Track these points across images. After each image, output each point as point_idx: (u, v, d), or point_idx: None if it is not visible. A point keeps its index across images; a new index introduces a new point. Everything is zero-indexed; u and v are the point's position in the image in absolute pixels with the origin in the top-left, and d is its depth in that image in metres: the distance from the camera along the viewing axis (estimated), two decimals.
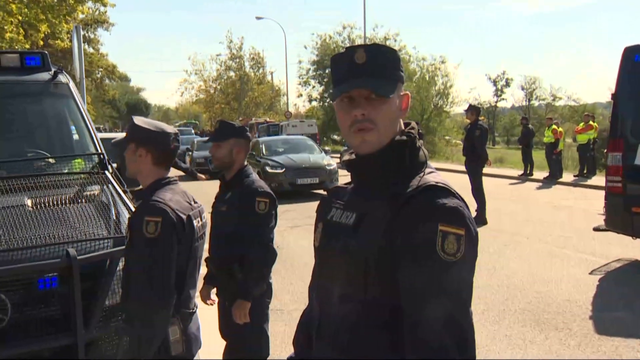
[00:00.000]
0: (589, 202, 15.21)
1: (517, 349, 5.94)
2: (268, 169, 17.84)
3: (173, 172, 3.38)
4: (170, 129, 3.21)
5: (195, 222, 3.13)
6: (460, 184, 13.16)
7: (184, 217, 3.03)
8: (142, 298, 2.90)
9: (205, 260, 4.09)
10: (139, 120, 3.20)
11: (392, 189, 1.74)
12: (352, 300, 1.74)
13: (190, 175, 14.83)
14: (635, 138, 8.77)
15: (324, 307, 1.88)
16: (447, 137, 42.17)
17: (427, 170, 1.79)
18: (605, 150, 11.28)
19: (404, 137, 1.81)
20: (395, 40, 46.75)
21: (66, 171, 5.01)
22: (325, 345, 1.86)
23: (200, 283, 3.50)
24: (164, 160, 3.16)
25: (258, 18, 50.63)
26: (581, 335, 6.25)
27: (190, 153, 28.68)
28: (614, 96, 9.26)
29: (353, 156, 1.87)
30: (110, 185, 4.80)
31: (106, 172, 4.98)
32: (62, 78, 5.49)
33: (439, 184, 1.71)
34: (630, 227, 9.01)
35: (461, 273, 1.64)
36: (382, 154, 1.79)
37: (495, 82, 62.97)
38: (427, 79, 41.66)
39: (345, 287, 1.77)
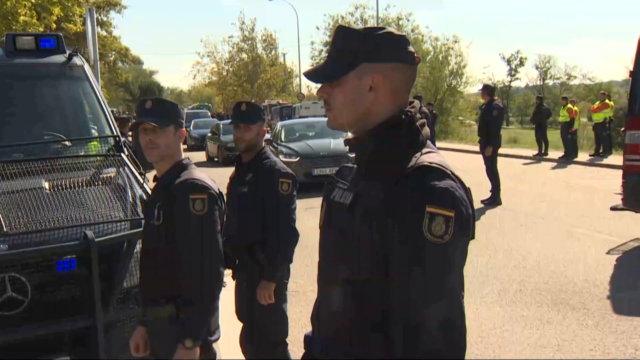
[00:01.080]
0: (605, 181, 15.10)
1: (534, 329, 5.94)
2: (282, 157, 15.21)
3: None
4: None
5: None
6: (475, 165, 13.12)
7: (218, 193, 3.10)
8: (195, 276, 2.91)
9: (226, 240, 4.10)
10: (168, 102, 3.26)
11: (387, 169, 1.72)
12: (346, 280, 1.75)
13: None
14: None
15: (323, 286, 1.92)
16: (460, 118, 42.00)
17: (425, 150, 1.76)
18: (623, 129, 11.17)
19: (403, 116, 1.78)
20: (408, 20, 46.43)
21: (82, 154, 5.02)
22: (323, 322, 1.90)
23: None
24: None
25: None
26: (599, 316, 6.23)
27: (215, 136, 26.42)
28: (632, 74, 9.19)
29: (352, 135, 1.89)
30: (126, 168, 4.81)
31: (122, 154, 4.99)
32: (77, 60, 5.48)
33: (432, 165, 1.68)
34: None
35: (448, 256, 1.62)
36: (375, 133, 1.79)
37: (509, 62, 62.61)
38: (440, 59, 41.46)
39: (341, 267, 1.78)
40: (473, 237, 1.73)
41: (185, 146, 28.11)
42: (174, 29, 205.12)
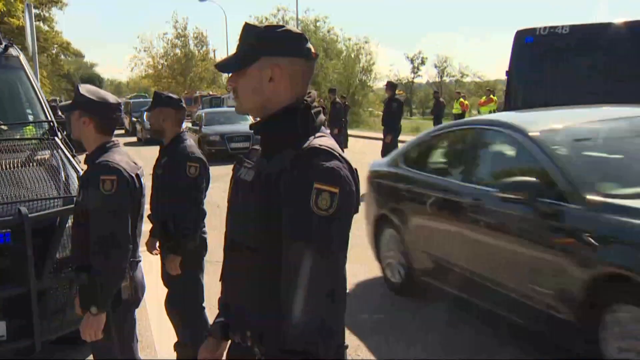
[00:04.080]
0: None
1: None
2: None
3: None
4: (113, 99, 3.12)
5: (142, 180, 3.13)
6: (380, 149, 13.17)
7: (133, 175, 3.02)
8: (102, 249, 2.86)
9: (148, 216, 4.07)
10: (84, 88, 3.11)
11: (283, 150, 1.74)
12: (246, 249, 1.78)
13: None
14: (525, 109, 9.00)
15: (227, 254, 1.93)
16: (370, 109, 42.40)
17: (318, 134, 1.78)
18: None
19: (300, 105, 1.80)
20: (324, 22, 46.43)
21: (18, 137, 4.87)
22: (227, 286, 1.94)
23: (145, 236, 3.50)
24: (107, 128, 3.10)
25: (201, 0, 49.67)
26: None
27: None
28: (508, 73, 9.45)
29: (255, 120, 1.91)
30: (59, 150, 4.70)
31: (56, 138, 4.87)
32: (13, 51, 5.31)
33: (322, 147, 1.70)
34: None
35: (333, 227, 1.65)
36: (275, 118, 1.80)
37: (412, 61, 63.39)
38: (352, 57, 41.69)
39: (242, 237, 1.80)
40: (357, 211, 1.76)
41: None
42: (113, 25, 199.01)
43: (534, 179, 4.16)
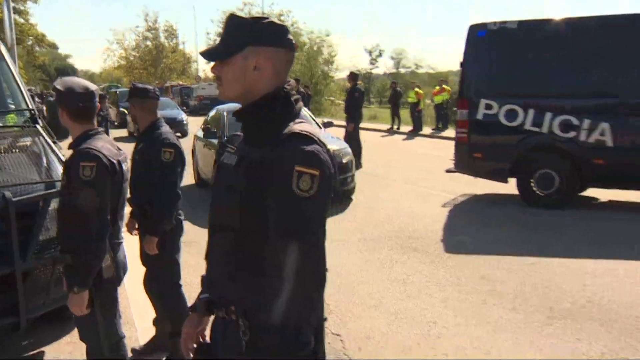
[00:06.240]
0: (443, 150, 15.67)
1: (386, 268, 6.18)
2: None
3: None
4: (80, 88, 3.00)
5: (123, 166, 3.08)
6: (341, 136, 13.29)
7: (114, 161, 2.97)
8: (83, 232, 2.82)
9: (128, 200, 4.01)
10: (58, 81, 3.07)
11: (265, 135, 1.74)
12: (231, 230, 1.76)
13: None
14: (477, 97, 9.14)
15: (212, 234, 1.91)
16: (331, 98, 42.38)
17: (298, 120, 1.77)
18: (456, 108, 11.69)
19: (280, 92, 1.79)
20: (288, 16, 46.12)
21: (0, 125, 4.73)
22: (212, 264, 1.92)
23: (126, 218, 3.45)
24: (80, 115, 3.01)
25: None
26: (434, 255, 6.57)
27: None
28: (462, 64, 9.58)
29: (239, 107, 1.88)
30: (41, 137, 4.59)
31: (37, 125, 4.75)
32: None
33: (302, 132, 1.69)
34: (472, 168, 9.51)
35: (313, 207, 1.65)
36: (257, 105, 1.79)
37: (370, 53, 63.40)
38: (315, 49, 41.56)
39: (226, 218, 1.79)
40: (334, 193, 1.76)
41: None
42: (87, 17, 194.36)
43: None
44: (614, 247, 6.68)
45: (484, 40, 9.20)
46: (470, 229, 7.69)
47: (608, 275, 5.75)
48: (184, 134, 19.90)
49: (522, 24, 9.04)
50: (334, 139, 9.87)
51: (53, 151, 4.44)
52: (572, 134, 8.46)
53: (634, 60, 8.20)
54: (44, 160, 4.28)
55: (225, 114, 10.02)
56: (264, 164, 1.67)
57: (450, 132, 18.93)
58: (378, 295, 5.40)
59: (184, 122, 21.88)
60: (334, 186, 1.75)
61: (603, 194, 9.38)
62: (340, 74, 42.99)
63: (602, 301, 5.10)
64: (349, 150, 9.86)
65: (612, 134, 8.21)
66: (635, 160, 8.14)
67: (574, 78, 8.56)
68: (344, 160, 9.28)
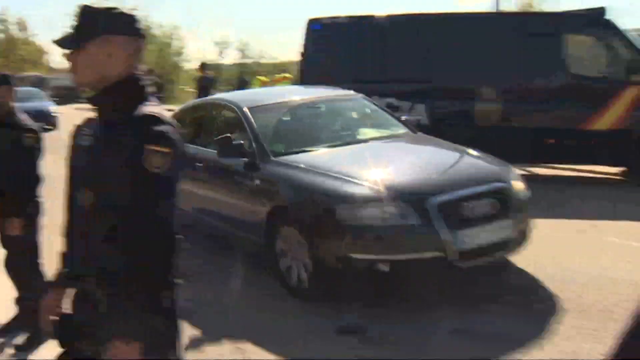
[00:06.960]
0: None
1: None
2: None
3: None
4: None
5: None
6: None
7: None
8: None
9: None
10: None
11: (118, 117, 1.79)
12: (87, 205, 1.79)
13: None
14: (315, 84, 9.78)
15: (73, 212, 1.93)
16: (182, 86, 42.31)
17: (148, 103, 1.82)
18: None
19: (134, 77, 1.86)
20: (138, 10, 44.90)
21: None
22: (70, 242, 1.95)
23: None
24: None
25: None
26: None
27: None
28: (302, 55, 10.10)
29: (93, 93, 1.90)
30: None
31: None
32: None
33: (152, 113, 1.76)
34: None
35: (164, 183, 1.72)
36: (110, 89, 1.82)
37: (219, 45, 63.03)
38: (165, 41, 41.64)
39: (83, 195, 1.81)
40: (182, 169, 1.86)
41: None
42: None
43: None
44: None
45: (320, 33, 9.80)
46: None
47: None
48: (54, 125, 17.62)
49: (351, 18, 9.77)
50: None
51: None
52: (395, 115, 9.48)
53: (441, 51, 9.20)
54: None
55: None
56: (117, 144, 1.71)
57: None
58: None
59: (53, 114, 19.03)
60: (183, 163, 1.90)
61: None
62: (189, 64, 43.09)
63: None
64: None
65: (427, 113, 9.24)
66: (448, 134, 9.25)
67: (394, 66, 9.32)
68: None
